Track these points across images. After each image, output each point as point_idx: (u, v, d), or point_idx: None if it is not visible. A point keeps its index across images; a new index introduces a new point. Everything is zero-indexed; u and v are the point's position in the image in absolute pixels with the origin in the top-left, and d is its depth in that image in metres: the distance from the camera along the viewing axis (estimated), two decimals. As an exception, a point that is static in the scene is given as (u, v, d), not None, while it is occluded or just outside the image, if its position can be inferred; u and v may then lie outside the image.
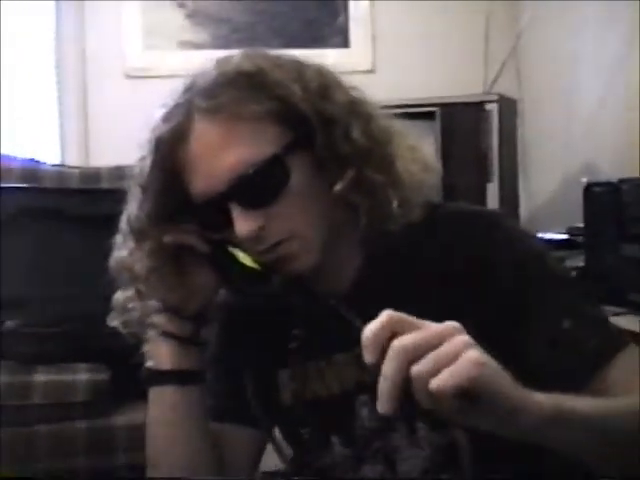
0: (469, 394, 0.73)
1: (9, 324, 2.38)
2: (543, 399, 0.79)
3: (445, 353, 0.74)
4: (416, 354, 0.74)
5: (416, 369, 0.74)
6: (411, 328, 0.76)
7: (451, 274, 1.05)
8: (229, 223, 1.00)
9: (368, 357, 0.76)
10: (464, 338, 0.75)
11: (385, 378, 0.75)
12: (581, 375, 0.96)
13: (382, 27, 3.48)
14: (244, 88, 1.01)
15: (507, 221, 1.13)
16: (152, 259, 1.06)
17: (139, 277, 1.07)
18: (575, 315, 1.00)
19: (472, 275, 1.04)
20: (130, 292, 1.09)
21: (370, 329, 0.76)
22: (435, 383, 0.73)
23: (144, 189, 1.05)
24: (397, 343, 0.75)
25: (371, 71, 3.46)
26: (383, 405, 0.76)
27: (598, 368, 0.97)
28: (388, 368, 0.75)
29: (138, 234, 1.06)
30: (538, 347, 0.99)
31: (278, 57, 1.07)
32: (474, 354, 0.74)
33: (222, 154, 0.98)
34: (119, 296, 1.10)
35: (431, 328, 0.76)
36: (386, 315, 0.76)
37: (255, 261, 1.04)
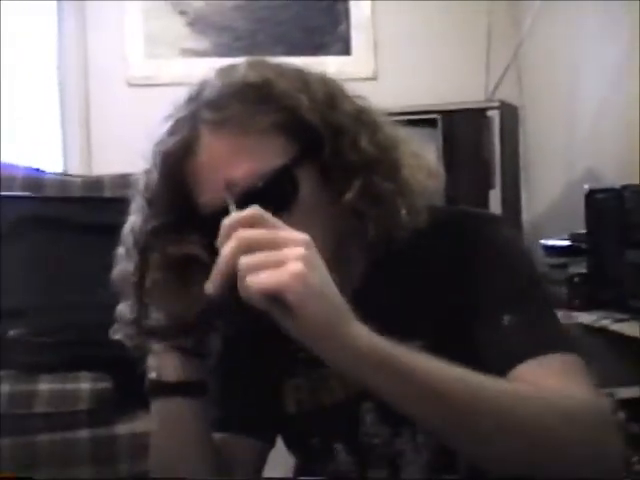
0: (280, 301, 0.76)
1: (11, 333, 2.38)
2: (367, 341, 0.81)
3: (275, 256, 0.77)
4: (253, 248, 0.78)
5: (243, 260, 0.78)
6: (267, 226, 0.80)
7: (448, 274, 1.06)
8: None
9: (219, 242, 0.81)
10: (301, 251, 0.78)
11: (220, 260, 0.80)
12: (499, 368, 0.95)
13: (383, 34, 3.48)
14: (251, 100, 1.00)
15: (498, 222, 1.15)
16: (157, 272, 1.05)
17: (143, 290, 1.06)
18: (517, 314, 1.00)
19: (464, 273, 1.05)
20: (134, 305, 1.08)
21: (230, 217, 0.82)
22: (249, 279, 0.77)
23: (150, 203, 1.05)
24: (242, 232, 0.79)
25: (373, 78, 3.46)
26: (209, 284, 0.81)
27: (512, 366, 0.96)
28: (224, 251, 0.79)
29: (143, 248, 1.05)
30: (479, 336, 1.01)
31: (282, 66, 1.07)
32: (297, 268, 0.76)
33: (230, 167, 0.98)
34: (122, 308, 1.09)
35: (280, 232, 0.80)
36: (251, 210, 0.82)
37: None
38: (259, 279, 0.77)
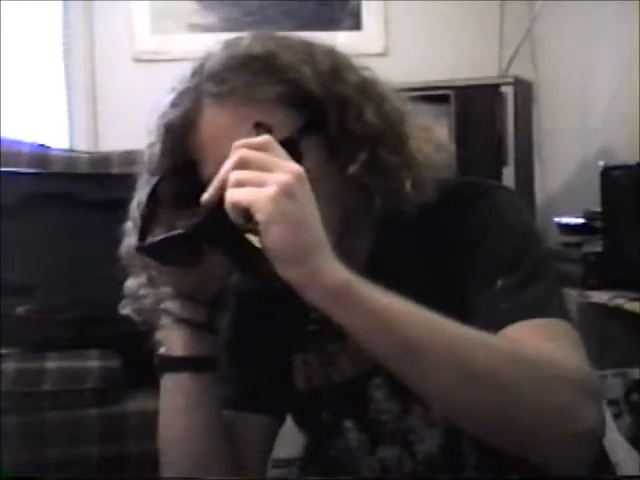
0: (252, 221, 0.82)
1: (19, 310, 2.38)
2: (337, 277, 0.83)
3: (259, 177, 0.82)
4: (246, 166, 0.84)
5: (233, 174, 0.84)
6: (271, 153, 0.85)
7: (450, 244, 1.05)
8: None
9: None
10: (283, 178, 0.82)
11: (219, 172, 0.86)
12: (488, 330, 0.94)
13: (395, 9, 3.46)
14: (254, 72, 1.00)
15: (498, 190, 1.13)
16: None
17: (151, 263, 1.05)
18: (510, 278, 1.00)
19: (463, 242, 1.05)
20: (142, 279, 1.08)
21: (242, 140, 0.87)
22: (229, 191, 0.83)
23: (154, 175, 1.04)
24: (243, 151, 0.85)
25: (384, 54, 3.44)
26: (205, 195, 0.87)
27: (500, 327, 0.96)
28: (225, 164, 0.86)
29: (147, 218, 1.04)
30: (472, 301, 1.00)
31: (288, 39, 1.06)
32: (271, 191, 0.81)
33: (233, 139, 0.96)
34: (131, 283, 1.09)
35: (275, 159, 0.85)
36: (263, 137, 0.87)
37: None
38: (237, 193, 0.83)
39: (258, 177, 0.83)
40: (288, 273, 0.84)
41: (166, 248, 0.99)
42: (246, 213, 0.83)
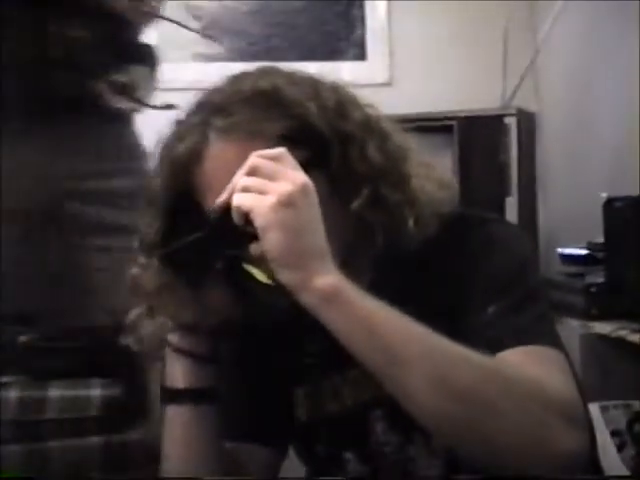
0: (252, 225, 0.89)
1: (22, 339, 2.37)
2: (330, 282, 0.89)
3: (263, 185, 0.89)
4: (255, 174, 0.90)
5: (241, 180, 0.90)
6: (283, 163, 0.91)
7: (448, 275, 1.07)
8: (240, 242, 0.99)
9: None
10: (286, 188, 0.88)
11: (233, 180, 0.92)
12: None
13: (399, 40, 3.47)
14: (260, 107, 1.02)
15: (495, 222, 1.16)
16: (162, 275, 1.05)
17: (150, 294, 1.06)
18: (501, 306, 1.01)
19: (458, 272, 1.06)
20: (142, 309, 1.09)
21: (259, 152, 0.92)
22: (235, 196, 0.90)
23: (156, 207, 1.06)
24: (255, 160, 0.91)
25: (388, 84, 3.44)
26: (220, 198, 0.94)
27: (490, 354, 0.96)
28: (238, 172, 0.92)
29: (148, 251, 1.06)
30: (465, 329, 1.01)
31: (293, 74, 1.08)
32: (271, 200, 0.87)
33: (238, 172, 0.97)
34: (132, 313, 1.10)
35: (284, 169, 0.90)
36: (278, 149, 0.93)
37: (269, 277, 1.02)
38: (241, 198, 0.90)
39: (262, 185, 0.89)
40: (284, 276, 0.89)
41: (186, 254, 1.01)
42: (247, 218, 0.89)
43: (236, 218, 0.91)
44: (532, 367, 0.94)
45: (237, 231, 0.93)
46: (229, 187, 0.93)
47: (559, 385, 0.93)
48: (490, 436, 0.88)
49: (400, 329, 0.89)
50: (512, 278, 1.05)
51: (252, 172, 0.91)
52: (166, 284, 1.05)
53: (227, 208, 0.93)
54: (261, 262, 1.01)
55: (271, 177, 0.90)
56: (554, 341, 1.01)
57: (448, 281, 1.06)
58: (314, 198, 0.91)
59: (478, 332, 0.96)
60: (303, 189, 0.89)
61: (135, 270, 1.07)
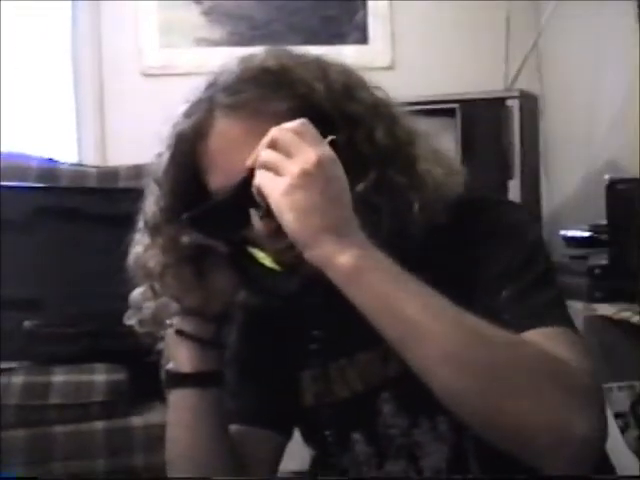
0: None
1: (27, 324, 2.39)
2: (351, 261, 0.88)
3: (280, 163, 0.89)
4: (274, 146, 0.90)
5: (262, 153, 0.91)
6: (303, 137, 0.90)
7: (459, 258, 1.06)
8: (247, 221, 0.99)
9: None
10: (296, 170, 0.87)
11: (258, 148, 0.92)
12: None
13: (401, 23, 3.47)
14: (267, 85, 1.01)
15: (506, 205, 1.17)
16: (166, 255, 1.05)
17: (153, 274, 1.06)
18: (515, 288, 1.01)
19: (468, 256, 1.05)
20: (145, 290, 1.09)
21: (286, 124, 0.92)
22: (257, 174, 0.91)
23: (160, 185, 1.05)
24: (275, 131, 0.91)
25: (390, 68, 3.44)
26: (247, 161, 0.94)
27: None
28: (262, 141, 0.92)
29: (153, 229, 1.06)
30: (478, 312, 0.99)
31: (303, 56, 1.07)
32: (283, 183, 0.87)
33: (243, 150, 0.97)
34: (135, 294, 1.10)
35: (300, 144, 0.89)
36: (300, 121, 0.92)
37: (275, 261, 1.02)
38: (261, 177, 0.90)
39: (279, 162, 0.89)
40: (306, 255, 0.89)
41: (210, 217, 1.02)
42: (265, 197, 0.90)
43: (257, 198, 0.92)
44: (551, 347, 0.92)
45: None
46: (254, 154, 0.93)
47: (578, 366, 0.91)
48: (509, 414, 0.87)
49: (422, 303, 0.88)
50: (525, 261, 1.04)
51: (272, 145, 0.90)
52: (170, 264, 1.05)
53: (251, 174, 0.93)
54: (266, 246, 1.01)
55: (288, 153, 0.89)
56: (569, 322, 1.00)
57: (459, 266, 1.05)
58: (333, 170, 0.90)
59: (493, 315, 0.93)
60: (318, 165, 0.88)
61: (139, 250, 1.07)
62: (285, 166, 0.88)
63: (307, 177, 0.87)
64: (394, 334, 0.88)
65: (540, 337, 0.94)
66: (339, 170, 0.91)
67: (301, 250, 0.89)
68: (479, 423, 0.89)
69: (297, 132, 0.90)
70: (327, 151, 0.90)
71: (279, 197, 0.87)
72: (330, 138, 0.93)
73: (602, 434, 0.90)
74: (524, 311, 0.99)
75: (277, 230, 0.96)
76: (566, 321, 1.00)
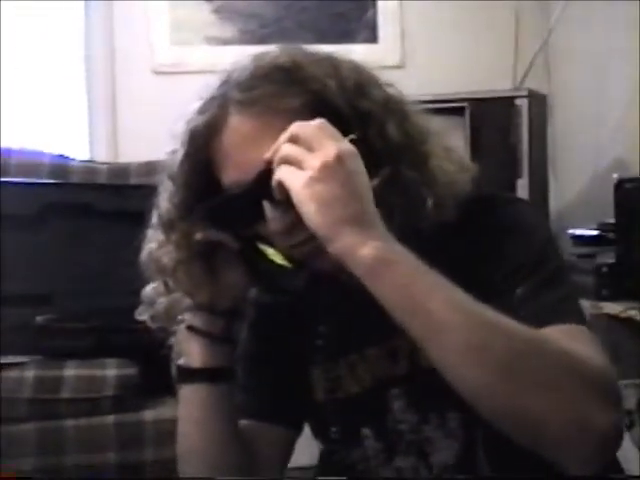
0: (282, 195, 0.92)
1: (39, 319, 2.40)
2: (372, 253, 0.88)
3: (301, 157, 0.90)
4: (295, 140, 0.91)
5: (283, 147, 0.92)
6: (323, 133, 0.91)
7: (471, 256, 1.06)
8: (260, 217, 1.00)
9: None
10: (321, 162, 0.88)
11: (276, 143, 0.94)
12: None
13: (411, 22, 3.46)
14: (280, 82, 1.01)
15: (518, 203, 1.16)
16: (180, 251, 1.06)
17: (166, 269, 1.07)
18: (529, 286, 1.01)
19: (481, 254, 1.06)
20: (158, 285, 1.09)
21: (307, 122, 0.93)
22: (278, 170, 0.92)
23: (174, 181, 1.06)
24: (296, 127, 0.92)
25: (400, 66, 3.44)
26: (265, 155, 0.95)
27: None
28: (281, 137, 0.93)
29: (166, 226, 1.07)
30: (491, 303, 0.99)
31: (315, 53, 1.07)
32: (305, 178, 0.88)
33: (256, 147, 0.98)
34: (148, 289, 1.10)
35: (322, 139, 0.90)
36: (320, 120, 0.93)
37: (285, 258, 1.03)
38: (282, 172, 0.91)
39: (300, 156, 0.90)
40: (329, 248, 0.89)
41: (225, 210, 1.03)
42: (286, 190, 0.91)
43: (276, 192, 0.93)
44: (567, 344, 0.92)
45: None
46: (272, 148, 0.94)
47: (596, 362, 0.91)
48: (529, 408, 0.86)
49: (444, 296, 0.88)
50: (539, 258, 1.04)
51: (293, 139, 0.91)
52: (182, 260, 1.06)
53: (269, 167, 0.94)
54: (278, 242, 1.02)
55: (310, 147, 0.90)
56: (583, 320, 1.00)
57: (472, 263, 1.05)
58: (353, 164, 0.90)
59: (508, 313, 0.93)
60: (339, 159, 0.88)
61: (152, 246, 1.08)
62: (307, 159, 0.89)
63: (329, 170, 0.88)
64: (416, 326, 0.88)
65: (556, 333, 0.94)
66: (360, 165, 0.91)
67: (323, 242, 0.89)
68: (498, 417, 0.89)
69: (318, 128, 0.91)
70: (348, 146, 0.91)
71: (301, 189, 0.88)
72: (351, 137, 0.93)
73: (620, 430, 0.90)
74: (539, 308, 0.99)
75: (291, 225, 0.98)
76: (581, 318, 1.00)
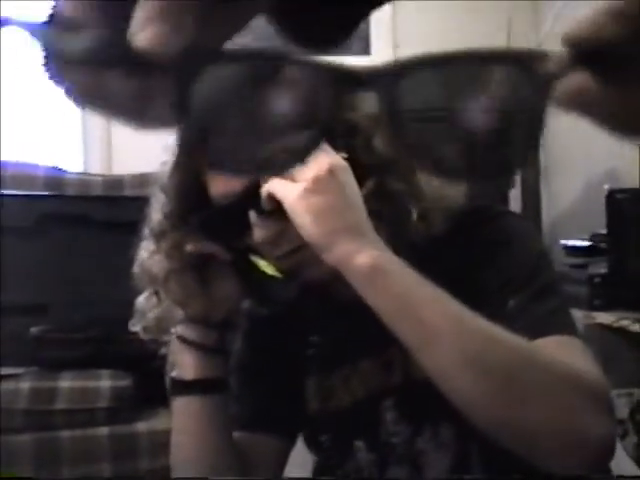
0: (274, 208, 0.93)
1: (34, 330, 2.40)
2: (367, 261, 0.88)
3: (300, 173, 0.90)
4: None
5: None
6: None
7: (462, 268, 1.05)
8: (248, 228, 1.00)
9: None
10: (314, 174, 0.89)
11: None
12: None
13: (403, 34, 3.49)
14: None
15: (509, 215, 1.15)
16: (171, 261, 1.06)
17: (158, 279, 1.07)
18: (521, 298, 1.01)
19: (478, 265, 1.05)
20: (149, 295, 1.09)
21: None
22: (270, 181, 0.93)
23: (165, 191, 1.07)
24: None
25: (392, 78, 3.45)
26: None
27: None
28: None
29: (158, 235, 1.07)
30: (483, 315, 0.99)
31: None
32: (298, 190, 0.89)
33: None
34: (140, 300, 1.10)
35: (318, 155, 0.87)
36: None
37: (277, 269, 1.03)
38: (274, 184, 0.93)
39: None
40: (325, 258, 0.90)
41: (216, 221, 1.03)
42: (275, 201, 0.92)
43: (266, 203, 0.95)
44: (561, 355, 0.92)
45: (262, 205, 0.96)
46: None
47: (590, 372, 0.91)
48: (525, 418, 0.87)
49: (440, 306, 0.89)
50: (531, 271, 1.04)
51: None
52: (174, 270, 1.05)
53: (257, 180, 0.96)
54: (266, 252, 1.02)
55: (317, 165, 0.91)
56: (576, 331, 1.00)
57: (463, 276, 1.04)
58: (345, 177, 0.92)
59: (500, 325, 0.93)
60: (331, 172, 0.90)
61: (144, 255, 1.08)
62: (299, 172, 0.90)
63: (321, 182, 0.90)
64: (411, 335, 0.88)
65: (549, 345, 0.94)
66: (351, 177, 0.93)
67: (319, 252, 0.90)
68: (493, 427, 0.89)
69: None
70: (339, 159, 0.92)
71: (295, 201, 0.90)
72: (342, 155, 0.94)
73: (615, 439, 0.91)
74: (532, 320, 0.99)
75: (278, 236, 0.98)
76: (573, 330, 1.00)
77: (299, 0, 0.41)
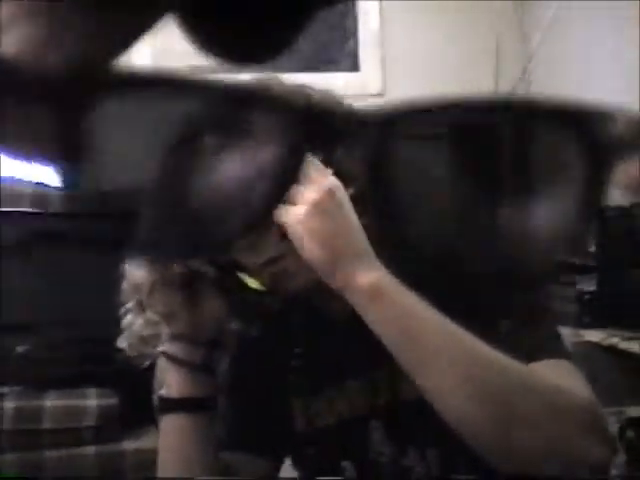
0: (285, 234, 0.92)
1: (19, 349, 2.39)
2: (369, 282, 0.89)
3: (296, 193, 0.90)
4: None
5: None
6: (315, 169, 0.92)
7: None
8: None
9: None
10: (314, 197, 0.89)
11: None
12: None
13: (392, 51, 3.49)
14: None
15: None
16: (155, 272, 1.05)
17: (141, 289, 1.06)
18: (514, 321, 1.02)
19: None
20: (134, 305, 1.09)
21: None
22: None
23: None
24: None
25: (381, 94, 3.46)
26: None
27: None
28: None
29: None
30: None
31: (286, 83, 1.08)
32: (299, 215, 0.89)
33: None
34: (127, 318, 1.11)
35: (314, 173, 0.91)
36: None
37: (263, 285, 1.03)
38: (281, 212, 0.91)
39: (295, 194, 0.91)
40: (326, 280, 0.91)
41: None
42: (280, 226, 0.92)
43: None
44: (556, 378, 0.93)
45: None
46: None
47: (584, 396, 0.92)
48: (523, 441, 0.87)
49: (440, 328, 0.89)
50: (522, 292, 1.05)
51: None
52: (157, 281, 1.05)
53: None
54: (248, 262, 1.02)
55: (306, 180, 0.91)
56: (567, 354, 1.01)
57: (452, 299, 1.04)
58: (342, 199, 0.92)
59: (492, 347, 0.94)
60: (330, 194, 0.91)
61: (128, 267, 1.07)
62: (300, 196, 0.90)
63: (322, 205, 0.90)
64: (410, 357, 0.89)
65: (542, 369, 0.95)
66: (346, 197, 0.93)
67: (322, 275, 0.91)
68: (491, 450, 0.89)
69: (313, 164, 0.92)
70: (334, 180, 0.93)
71: (297, 225, 0.90)
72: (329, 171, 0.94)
73: (609, 461, 0.93)
74: (524, 345, 0.99)
75: (256, 243, 0.99)
76: (565, 353, 1.01)
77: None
